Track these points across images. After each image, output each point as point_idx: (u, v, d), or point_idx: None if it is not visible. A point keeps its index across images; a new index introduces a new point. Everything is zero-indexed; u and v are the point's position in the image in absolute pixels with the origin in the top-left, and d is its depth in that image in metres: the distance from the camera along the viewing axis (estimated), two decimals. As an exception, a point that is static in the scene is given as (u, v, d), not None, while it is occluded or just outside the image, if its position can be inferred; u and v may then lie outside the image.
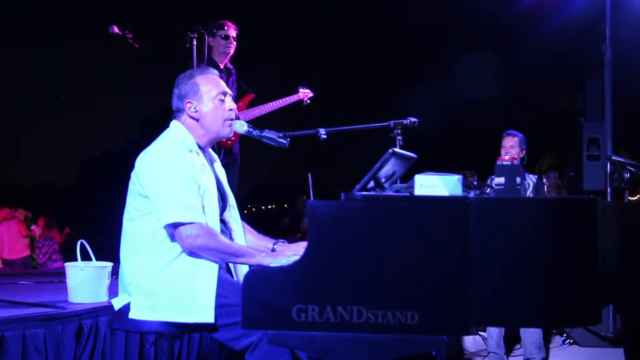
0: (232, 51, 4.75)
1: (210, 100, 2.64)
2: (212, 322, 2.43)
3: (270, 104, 4.95)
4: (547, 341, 5.11)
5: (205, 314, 2.43)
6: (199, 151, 2.64)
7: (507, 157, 2.27)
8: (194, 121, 2.65)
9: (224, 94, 2.68)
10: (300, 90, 5.03)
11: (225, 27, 4.70)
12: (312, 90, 5.05)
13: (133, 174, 2.58)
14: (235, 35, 4.74)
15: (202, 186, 2.54)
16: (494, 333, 4.53)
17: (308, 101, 5.05)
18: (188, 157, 2.54)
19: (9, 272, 7.09)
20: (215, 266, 2.48)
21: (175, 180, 2.46)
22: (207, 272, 2.46)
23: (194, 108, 2.63)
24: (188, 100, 2.63)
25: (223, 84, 2.72)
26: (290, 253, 2.55)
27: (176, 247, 2.48)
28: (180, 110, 2.66)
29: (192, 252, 2.46)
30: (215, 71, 2.76)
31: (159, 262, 2.49)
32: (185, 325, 2.47)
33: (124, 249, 2.60)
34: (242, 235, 2.78)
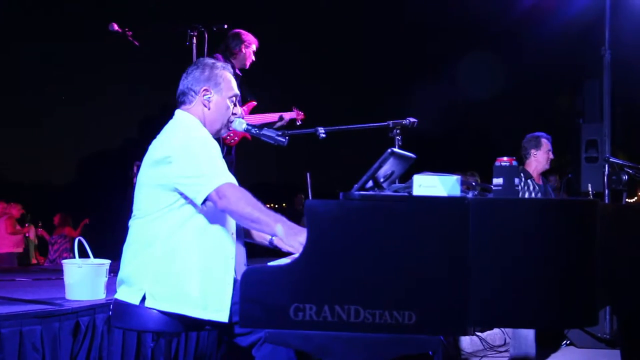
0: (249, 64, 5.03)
1: (225, 98, 2.61)
2: (225, 322, 2.40)
3: (269, 115, 5.17)
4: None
5: (220, 313, 2.40)
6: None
7: (508, 158, 2.26)
8: (202, 109, 2.58)
9: (236, 97, 2.67)
10: (295, 110, 5.36)
11: (256, 43, 4.98)
12: (304, 113, 5.38)
13: (149, 168, 2.49)
14: None
15: None
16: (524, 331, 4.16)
17: (300, 122, 5.39)
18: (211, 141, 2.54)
19: (7, 268, 7.10)
20: (232, 263, 2.47)
21: (208, 153, 2.47)
22: (224, 270, 2.44)
23: (209, 98, 2.58)
24: (206, 87, 2.58)
25: (237, 87, 2.71)
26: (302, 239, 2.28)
27: (192, 245, 2.42)
28: (192, 94, 2.58)
29: (231, 211, 2.42)
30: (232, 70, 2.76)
31: (173, 259, 2.42)
32: (198, 321, 2.42)
33: (133, 247, 2.51)
34: (242, 231, 2.77)
